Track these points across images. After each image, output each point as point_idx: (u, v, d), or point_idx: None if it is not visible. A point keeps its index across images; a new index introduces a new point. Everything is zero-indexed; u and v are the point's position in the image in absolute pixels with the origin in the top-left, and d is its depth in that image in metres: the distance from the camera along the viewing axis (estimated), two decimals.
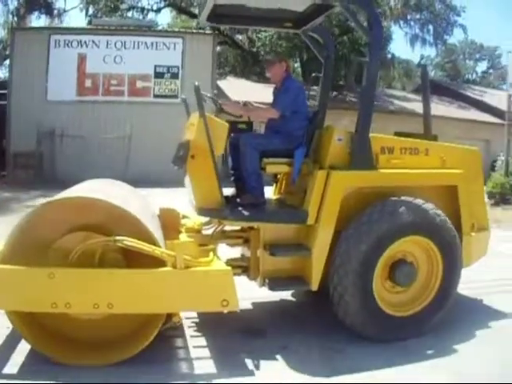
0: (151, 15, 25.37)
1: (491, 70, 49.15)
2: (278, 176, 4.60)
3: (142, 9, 25.25)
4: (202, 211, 3.78)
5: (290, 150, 3.97)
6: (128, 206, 3.26)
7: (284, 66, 4.26)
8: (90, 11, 23.58)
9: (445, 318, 3.95)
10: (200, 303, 3.20)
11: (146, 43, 16.78)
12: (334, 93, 21.04)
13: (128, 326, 3.34)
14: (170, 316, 3.27)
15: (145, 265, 3.17)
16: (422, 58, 42.37)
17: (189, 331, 3.90)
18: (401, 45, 79.41)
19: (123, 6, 24.80)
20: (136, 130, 15.47)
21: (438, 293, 3.90)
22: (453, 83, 30.54)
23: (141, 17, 24.67)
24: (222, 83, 19.54)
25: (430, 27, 25.33)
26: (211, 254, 3.54)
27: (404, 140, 4.24)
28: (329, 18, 19.57)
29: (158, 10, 25.48)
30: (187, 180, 4.27)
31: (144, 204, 4.00)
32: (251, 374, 3.21)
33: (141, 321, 3.29)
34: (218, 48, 27.46)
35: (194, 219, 4.36)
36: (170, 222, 4.16)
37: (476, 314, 4.43)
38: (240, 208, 3.76)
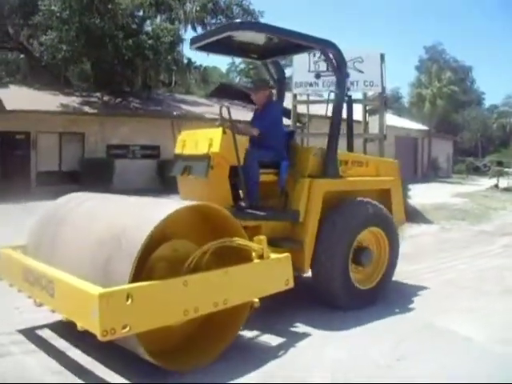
0: None
1: None
2: None
3: None
4: None
5: (277, 162, 4.77)
6: None
7: (267, 93, 5.03)
8: None
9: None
10: (274, 285, 3.80)
11: None
12: (118, 99, 20.62)
13: (210, 322, 3.68)
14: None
15: (228, 261, 3.56)
16: (230, 64, 43.06)
17: None
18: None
19: None
20: None
21: (386, 270, 5.13)
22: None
23: None
24: (2, 92, 17.65)
25: None
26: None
27: (353, 155, 5.58)
28: (113, 20, 19.17)
29: None
30: (185, 189, 4.79)
31: None
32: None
33: (225, 314, 3.57)
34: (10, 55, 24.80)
35: None
36: None
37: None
38: (248, 210, 4.34)
